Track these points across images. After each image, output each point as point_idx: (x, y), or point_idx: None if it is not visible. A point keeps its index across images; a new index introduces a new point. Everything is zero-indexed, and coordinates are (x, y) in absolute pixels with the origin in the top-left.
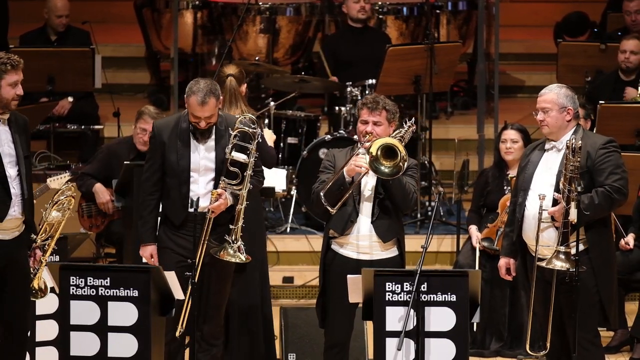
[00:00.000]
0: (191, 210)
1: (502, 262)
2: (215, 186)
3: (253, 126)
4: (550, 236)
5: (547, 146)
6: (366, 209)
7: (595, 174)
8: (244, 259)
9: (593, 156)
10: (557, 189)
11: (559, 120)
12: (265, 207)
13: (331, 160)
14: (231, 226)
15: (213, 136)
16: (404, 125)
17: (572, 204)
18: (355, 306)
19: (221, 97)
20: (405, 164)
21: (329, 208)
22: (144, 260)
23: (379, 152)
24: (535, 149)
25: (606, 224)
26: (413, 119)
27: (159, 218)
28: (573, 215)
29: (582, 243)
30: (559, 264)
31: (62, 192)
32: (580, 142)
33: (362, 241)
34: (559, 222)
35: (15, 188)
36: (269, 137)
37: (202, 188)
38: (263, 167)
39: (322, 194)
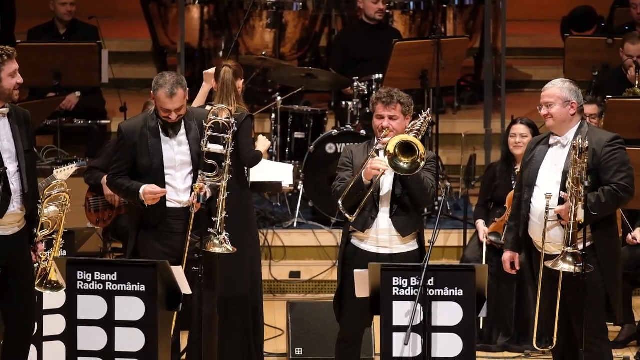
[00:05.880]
0: (200, 202)
1: (507, 256)
2: (195, 179)
3: (227, 116)
4: (557, 234)
5: (551, 141)
6: (385, 204)
7: (601, 172)
8: (231, 250)
9: (599, 154)
10: (563, 187)
11: (562, 113)
12: (272, 201)
13: (349, 157)
14: (214, 218)
15: (183, 130)
16: (420, 117)
17: (580, 204)
18: None
19: (187, 89)
20: (423, 162)
21: (347, 216)
22: (150, 195)
23: (397, 150)
24: (540, 144)
25: (612, 221)
26: (429, 109)
27: (137, 220)
28: (580, 215)
29: (588, 240)
30: (566, 267)
31: (52, 187)
32: (586, 143)
33: (382, 235)
34: (566, 221)
35: (14, 184)
36: (263, 144)
37: (180, 183)
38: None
39: (340, 202)
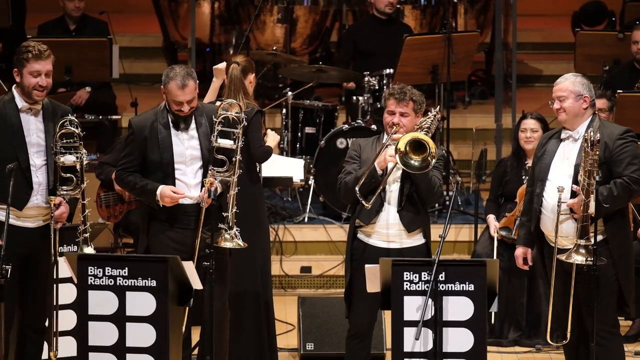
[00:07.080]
0: (211, 197)
1: (519, 251)
2: (205, 175)
3: (237, 111)
4: (569, 227)
5: (563, 135)
6: (393, 198)
7: (613, 165)
8: (241, 245)
9: (611, 147)
10: (575, 181)
11: (575, 107)
12: (283, 196)
13: (357, 150)
14: (224, 214)
15: (193, 125)
16: (429, 114)
17: (592, 197)
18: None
19: (197, 81)
20: (434, 160)
21: (363, 202)
22: (168, 199)
23: (407, 147)
24: (552, 139)
25: (624, 214)
26: (438, 107)
27: (148, 216)
28: (592, 207)
29: (600, 234)
30: (580, 259)
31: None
32: (598, 135)
33: (390, 229)
34: (578, 214)
35: (39, 177)
36: (273, 139)
37: (191, 178)
38: (263, 155)
39: (357, 188)
